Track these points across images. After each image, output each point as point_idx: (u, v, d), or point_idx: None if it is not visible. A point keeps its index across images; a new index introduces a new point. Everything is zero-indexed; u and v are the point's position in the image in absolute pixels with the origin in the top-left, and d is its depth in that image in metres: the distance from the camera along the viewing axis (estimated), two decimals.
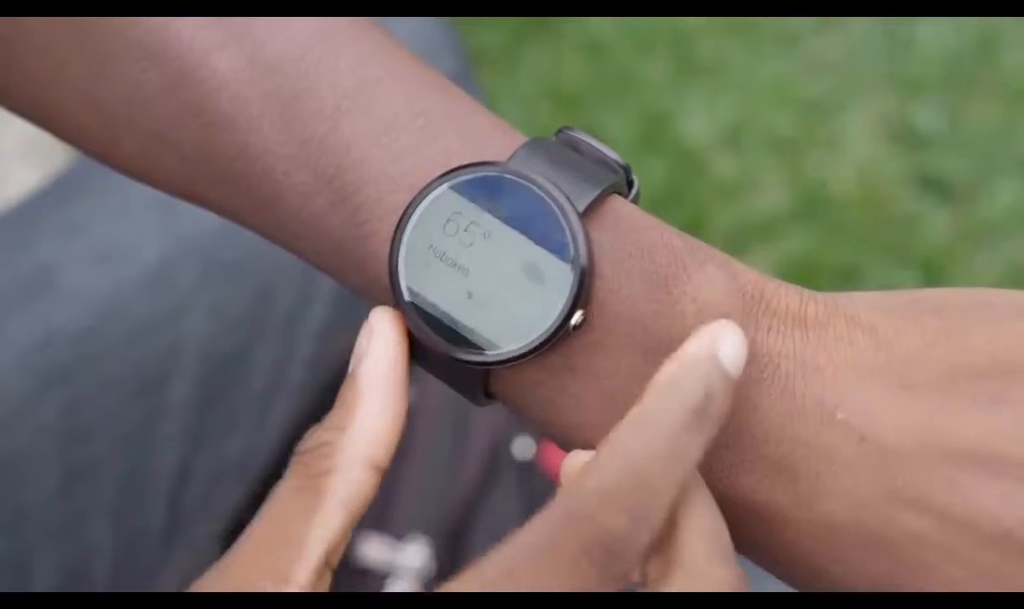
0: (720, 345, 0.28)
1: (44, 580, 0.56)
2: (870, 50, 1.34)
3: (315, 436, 0.29)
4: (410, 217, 0.31)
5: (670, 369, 0.28)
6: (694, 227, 1.21)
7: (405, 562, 0.68)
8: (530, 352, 0.30)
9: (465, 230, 0.30)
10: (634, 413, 0.27)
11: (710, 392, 0.27)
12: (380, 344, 0.30)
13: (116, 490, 0.58)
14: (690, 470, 0.27)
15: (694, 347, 0.28)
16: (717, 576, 0.26)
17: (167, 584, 0.60)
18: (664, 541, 0.27)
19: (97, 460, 0.57)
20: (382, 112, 0.32)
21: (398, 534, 0.69)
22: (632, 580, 0.27)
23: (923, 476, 0.28)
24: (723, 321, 0.28)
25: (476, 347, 0.30)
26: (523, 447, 0.76)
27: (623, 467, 0.26)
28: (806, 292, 0.31)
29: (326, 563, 0.28)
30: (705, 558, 0.26)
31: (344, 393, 0.30)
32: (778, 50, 1.35)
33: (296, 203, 0.32)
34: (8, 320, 0.58)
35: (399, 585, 0.69)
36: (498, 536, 0.26)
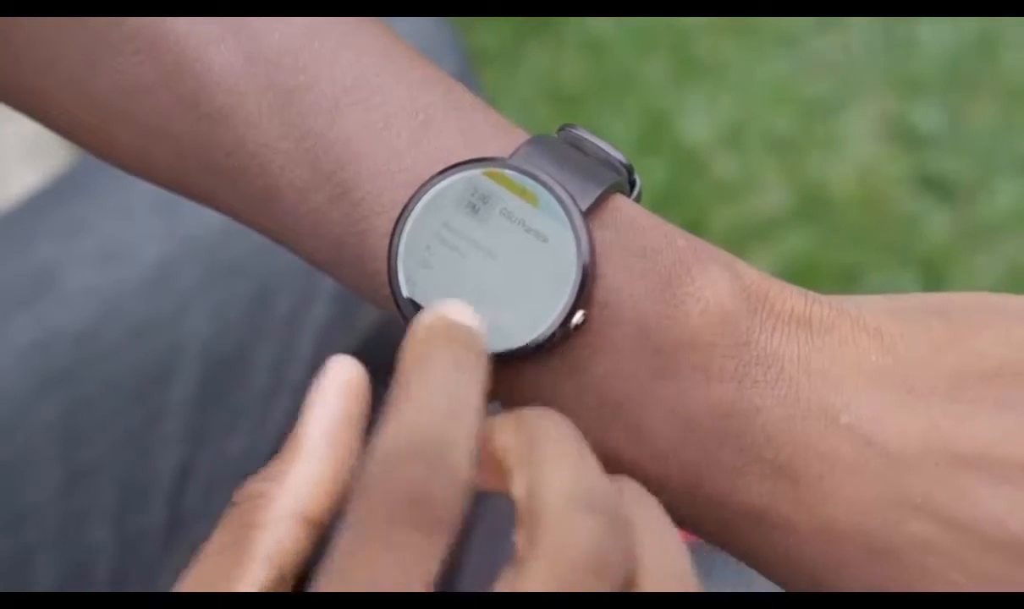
0: (442, 312, 0.26)
1: (45, 581, 0.56)
2: (870, 50, 1.34)
3: (251, 486, 0.27)
4: (410, 213, 0.30)
5: (412, 343, 0.26)
6: (694, 227, 1.21)
7: None
8: (529, 351, 0.29)
9: (461, 235, 0.30)
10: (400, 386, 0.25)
11: (460, 341, 0.26)
12: (330, 394, 0.27)
13: (117, 491, 0.58)
14: (474, 412, 0.25)
15: (424, 321, 0.26)
16: (581, 526, 0.24)
17: (168, 585, 0.59)
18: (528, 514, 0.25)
19: (98, 461, 0.57)
20: (382, 107, 0.31)
21: None
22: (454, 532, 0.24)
23: (928, 481, 0.28)
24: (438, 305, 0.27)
25: None
26: None
27: (406, 427, 0.24)
28: (811, 294, 0.30)
29: None
30: (563, 510, 0.24)
31: (287, 442, 0.28)
32: (778, 50, 1.35)
33: (294, 198, 0.32)
34: (8, 320, 0.58)
35: None
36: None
